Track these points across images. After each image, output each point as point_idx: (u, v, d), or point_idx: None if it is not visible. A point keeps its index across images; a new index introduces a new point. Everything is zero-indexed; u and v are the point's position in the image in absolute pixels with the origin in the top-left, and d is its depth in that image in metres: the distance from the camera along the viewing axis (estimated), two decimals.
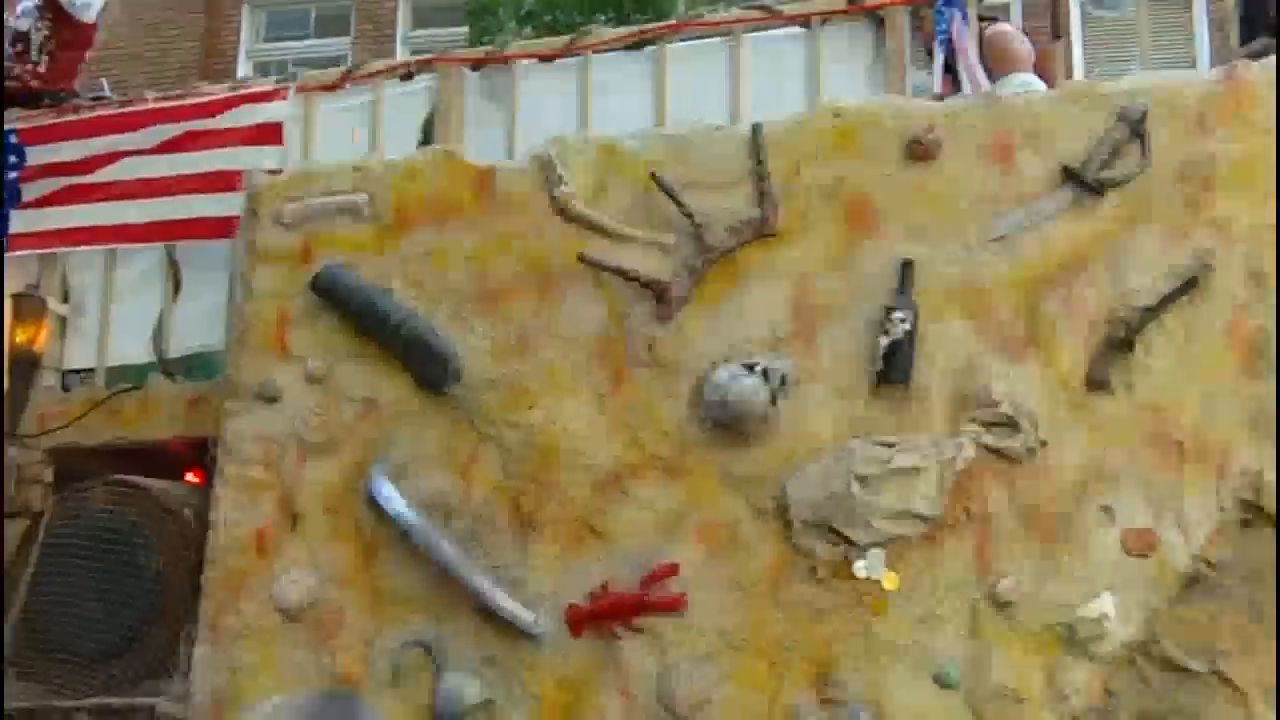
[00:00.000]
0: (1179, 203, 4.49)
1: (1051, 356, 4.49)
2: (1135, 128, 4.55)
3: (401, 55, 13.79)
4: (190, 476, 5.51)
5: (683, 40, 5.31)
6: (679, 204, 4.76)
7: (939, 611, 4.41)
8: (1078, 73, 8.60)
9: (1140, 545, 4.33)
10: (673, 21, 5.30)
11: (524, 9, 11.25)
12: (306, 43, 15.33)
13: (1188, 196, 4.49)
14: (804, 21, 5.26)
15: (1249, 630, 4.21)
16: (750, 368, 4.60)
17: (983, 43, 5.71)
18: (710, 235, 4.74)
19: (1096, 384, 4.44)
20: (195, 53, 14.83)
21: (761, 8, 5.26)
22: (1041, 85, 5.45)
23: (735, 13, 5.31)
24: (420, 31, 14.63)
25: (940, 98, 5.01)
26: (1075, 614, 4.29)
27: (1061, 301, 4.51)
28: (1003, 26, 5.87)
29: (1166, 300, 4.42)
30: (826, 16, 5.20)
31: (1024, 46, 5.74)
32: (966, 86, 5.10)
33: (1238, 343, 4.37)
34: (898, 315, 4.54)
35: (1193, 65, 7.82)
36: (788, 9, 5.30)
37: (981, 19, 5.78)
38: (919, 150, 4.69)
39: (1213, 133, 4.51)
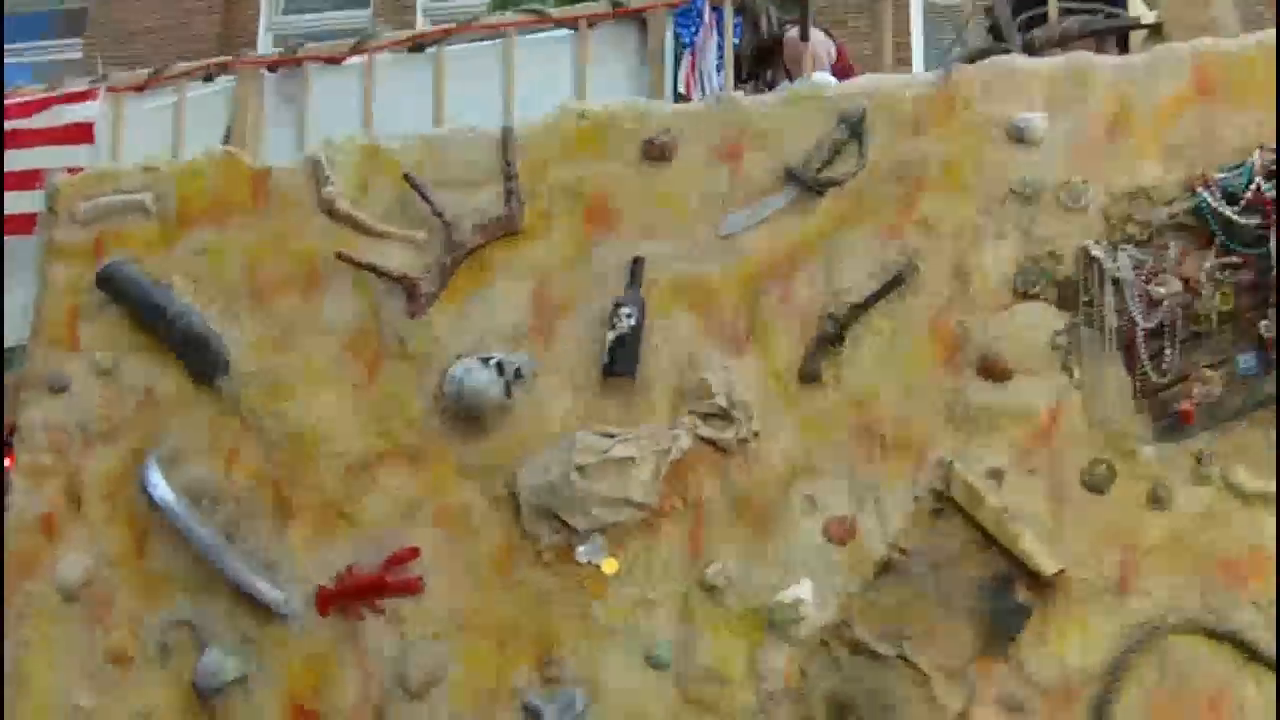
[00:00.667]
0: (891, 202, 4.64)
1: (768, 351, 4.66)
2: (854, 129, 4.71)
3: (421, 26, 13.99)
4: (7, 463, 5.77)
5: (460, 43, 5.49)
6: (429, 202, 4.96)
7: (653, 596, 4.60)
8: (918, 66, 8.70)
9: (841, 533, 4.49)
10: (451, 25, 5.48)
11: None
12: (326, 15, 15.36)
13: (900, 196, 4.63)
14: (573, 24, 5.43)
15: (934, 615, 4.37)
16: (486, 361, 4.80)
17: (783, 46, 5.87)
18: (458, 233, 4.94)
19: (807, 377, 4.61)
20: (216, 25, 15.11)
21: (534, 11, 5.44)
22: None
23: (509, 15, 5.49)
24: (439, 1, 14.58)
25: (686, 99, 5.18)
26: (774, 599, 4.47)
27: (779, 298, 4.68)
28: (795, 33, 5.98)
29: (874, 297, 4.58)
30: (594, 20, 5.37)
31: (822, 49, 5.89)
32: (699, 90, 5.26)
33: (939, 338, 4.52)
34: (624, 310, 4.72)
35: None
36: (556, 12, 5.48)
37: (786, 22, 5.94)
38: (654, 151, 4.86)
39: (926, 134, 4.66)
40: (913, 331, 4.55)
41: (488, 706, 4.65)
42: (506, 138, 4.96)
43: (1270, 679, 4.07)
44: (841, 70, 5.97)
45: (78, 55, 15.09)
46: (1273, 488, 4.17)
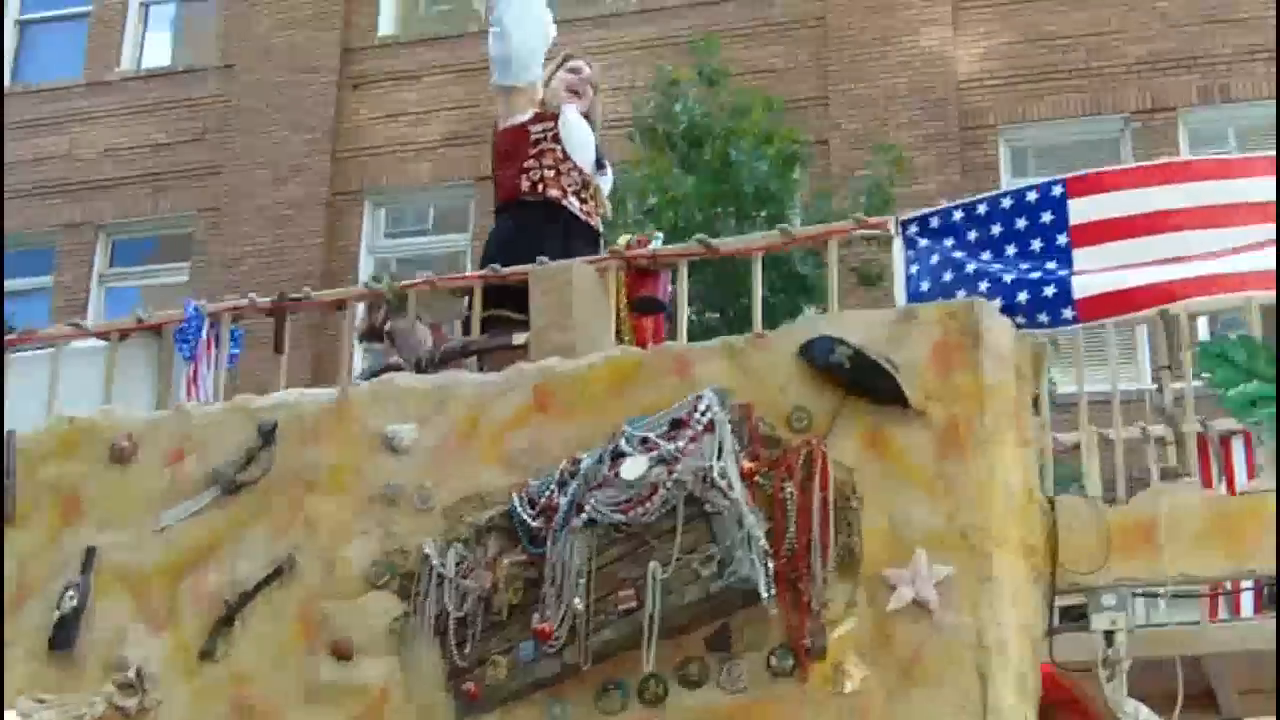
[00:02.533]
0: (286, 502, 5.36)
1: (180, 629, 5.35)
2: (267, 437, 5.46)
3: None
4: None
5: (21, 350, 6.35)
6: None
7: None
8: None
9: None
10: (18, 333, 6.34)
11: (646, 205, 11.90)
12: (428, 239, 16.63)
13: (293, 498, 5.36)
14: (106, 335, 6.29)
15: None
16: None
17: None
18: None
19: (205, 654, 5.29)
20: (318, 250, 16.09)
21: (73, 324, 6.33)
22: None
23: (60, 328, 6.38)
24: None
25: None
26: None
27: (195, 583, 5.39)
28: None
29: (259, 586, 5.28)
30: (125, 332, 6.23)
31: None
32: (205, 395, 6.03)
33: (305, 622, 5.20)
34: (69, 593, 5.46)
35: None
36: (94, 326, 6.36)
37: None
38: (117, 453, 5.65)
39: (320, 443, 5.40)
40: (286, 616, 5.23)
41: None
42: (5, 440, 5.77)
43: None
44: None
45: (184, 279, 16.39)
46: None
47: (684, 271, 5.68)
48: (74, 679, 5.42)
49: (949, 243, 5.24)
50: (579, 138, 6.08)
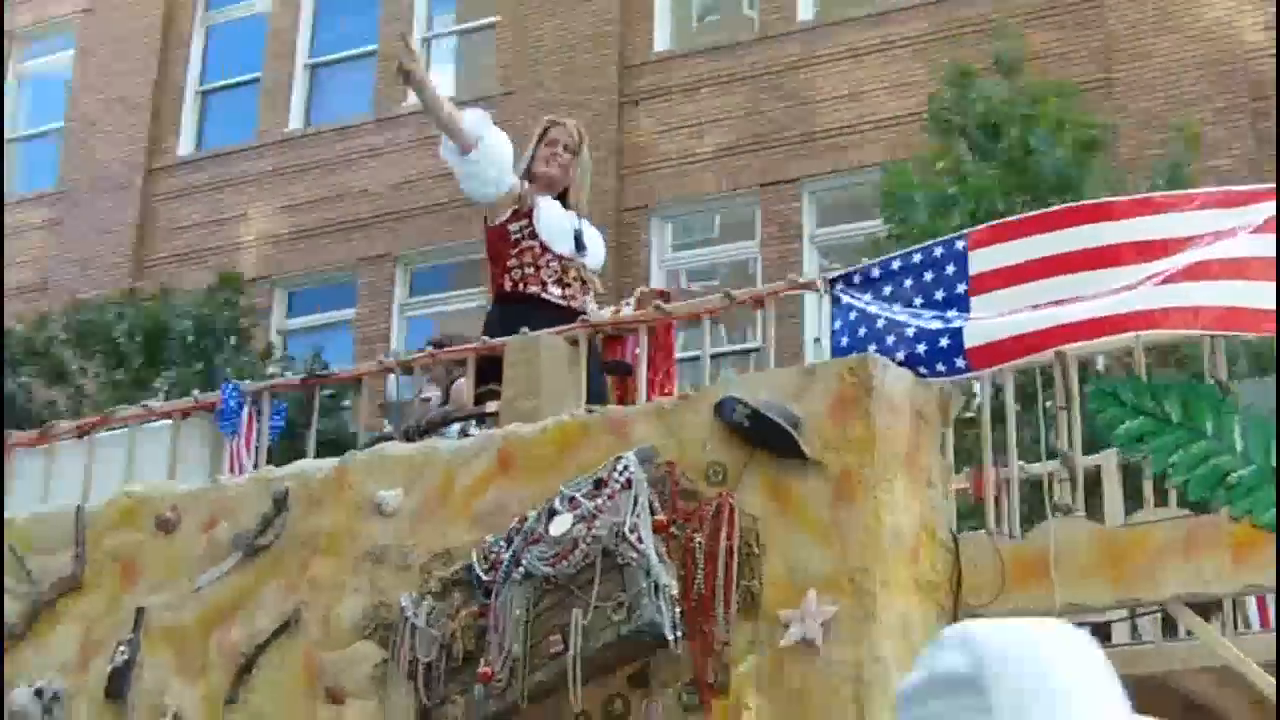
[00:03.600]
0: (295, 563, 6.04)
1: (209, 678, 6.07)
2: (279, 504, 6.15)
3: (808, 257, 15.32)
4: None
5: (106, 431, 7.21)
6: (22, 567, 6.63)
7: None
8: None
9: None
10: (99, 415, 7.19)
11: (943, 196, 11.62)
12: (716, 248, 16.90)
13: (301, 559, 6.03)
14: (170, 415, 7.08)
15: None
16: (34, 688, 6.38)
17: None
18: (40, 588, 6.59)
19: (229, 700, 5.99)
20: (610, 264, 16.25)
21: (144, 405, 7.16)
22: None
23: (132, 410, 7.21)
24: (825, 229, 15.75)
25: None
26: None
27: (221, 637, 6.11)
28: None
29: (271, 638, 5.96)
30: (185, 412, 7.02)
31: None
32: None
33: (307, 670, 5.85)
34: (120, 648, 6.24)
35: None
36: (158, 407, 7.19)
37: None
38: (163, 524, 6.42)
39: (323, 508, 6.06)
40: (292, 666, 5.89)
41: None
42: (79, 514, 6.61)
43: None
44: None
45: (479, 304, 16.45)
46: None
47: (644, 336, 6.15)
48: None
49: (867, 298, 5.60)
50: (554, 228, 6.59)
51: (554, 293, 6.56)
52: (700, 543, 5.21)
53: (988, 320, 5.30)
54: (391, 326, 17.63)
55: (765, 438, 5.25)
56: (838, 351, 5.65)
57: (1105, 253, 5.24)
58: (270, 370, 14.05)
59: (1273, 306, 4.97)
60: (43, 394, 14.83)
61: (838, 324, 5.66)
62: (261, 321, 16.76)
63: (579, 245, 6.63)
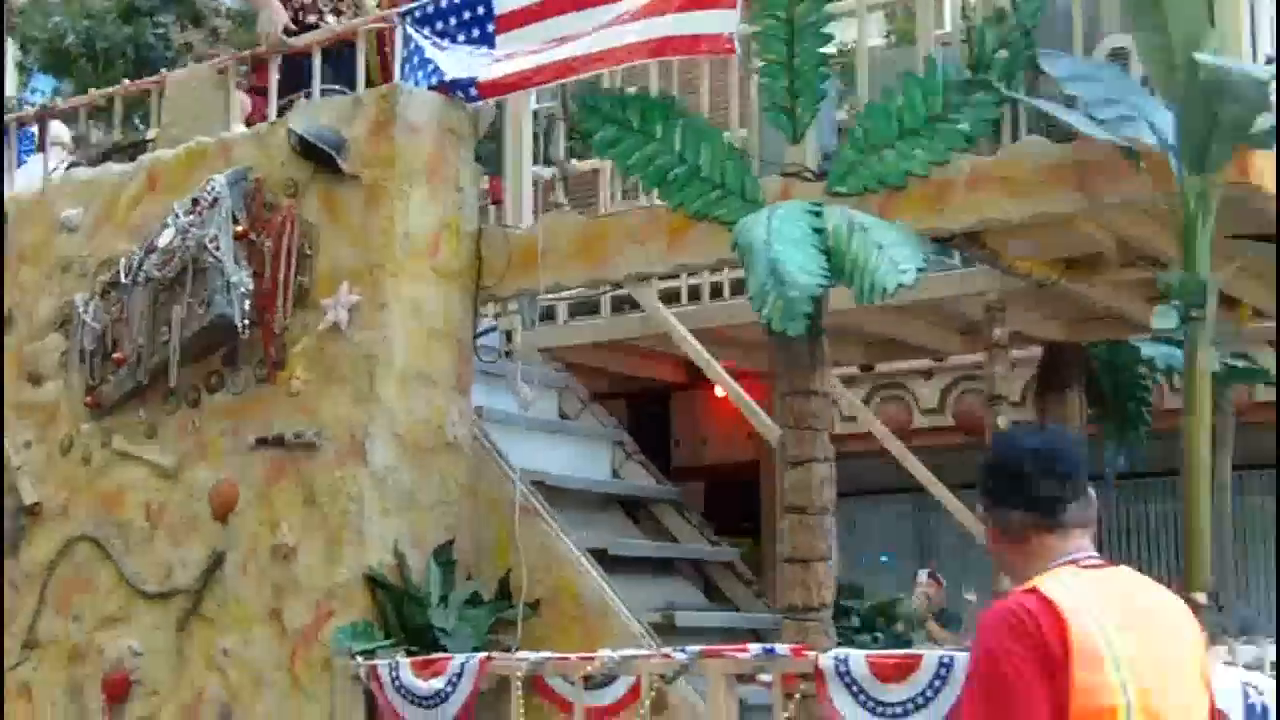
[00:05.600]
0: (9, 275, 7.34)
1: None
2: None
3: None
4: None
5: None
6: None
7: None
8: None
9: None
10: None
11: None
12: None
13: (14, 269, 7.33)
14: None
15: None
16: None
17: None
18: None
19: None
20: None
21: None
22: None
23: None
24: None
25: None
26: None
27: None
28: None
29: None
30: None
31: None
32: None
33: (19, 361, 7.20)
34: None
35: None
36: None
37: None
38: None
39: (29, 226, 7.31)
40: (8, 359, 7.23)
41: None
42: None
43: None
44: None
45: None
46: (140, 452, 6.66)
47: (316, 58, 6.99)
48: None
49: (426, 32, 6.55)
50: None
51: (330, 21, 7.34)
52: (269, 247, 6.38)
53: (501, 63, 6.25)
54: None
55: (312, 157, 6.34)
56: (404, 78, 6.63)
57: None
58: None
59: (706, 31, 5.84)
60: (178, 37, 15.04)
61: (405, 53, 6.63)
62: None
63: None
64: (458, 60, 6.41)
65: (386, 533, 6.01)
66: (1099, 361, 7.40)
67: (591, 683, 5.16)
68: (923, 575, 13.09)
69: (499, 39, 6.37)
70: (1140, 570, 2.84)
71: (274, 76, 6.92)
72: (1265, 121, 4.59)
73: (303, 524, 6.08)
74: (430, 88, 6.37)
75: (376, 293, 6.15)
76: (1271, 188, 5.08)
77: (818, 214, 5.34)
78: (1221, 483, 8.92)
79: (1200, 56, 4.40)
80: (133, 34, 14.43)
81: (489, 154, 7.05)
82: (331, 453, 6.08)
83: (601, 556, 6.11)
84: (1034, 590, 2.64)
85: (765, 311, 5.08)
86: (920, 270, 5.07)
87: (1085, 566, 2.74)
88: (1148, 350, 7.28)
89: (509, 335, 6.36)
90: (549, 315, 7.47)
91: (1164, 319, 4.70)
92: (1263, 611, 8.73)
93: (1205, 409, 4.63)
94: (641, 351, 7.72)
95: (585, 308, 7.45)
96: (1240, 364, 7.14)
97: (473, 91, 6.32)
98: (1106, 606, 2.64)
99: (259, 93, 7.21)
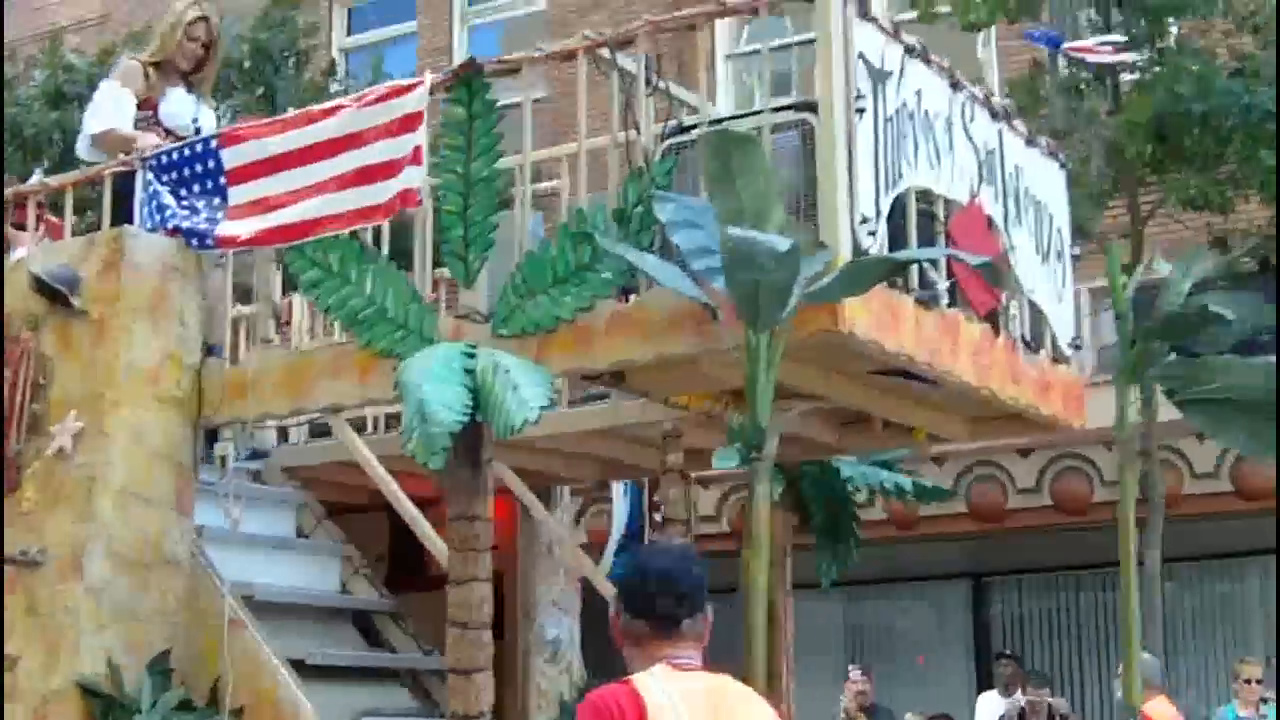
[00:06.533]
0: None
1: None
2: None
3: None
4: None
5: None
6: None
7: None
8: None
9: None
10: None
11: None
12: None
13: None
14: None
15: None
16: None
17: None
18: None
19: None
20: None
21: None
22: None
23: None
24: None
25: None
26: None
27: None
28: None
29: None
30: None
31: None
32: None
33: None
34: None
35: None
36: None
37: None
38: None
39: None
40: None
41: None
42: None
43: None
44: None
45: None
46: None
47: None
48: None
49: (165, 178, 7.16)
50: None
51: None
52: (8, 377, 6.95)
53: (234, 222, 6.85)
54: (453, 38, 18.03)
55: (53, 295, 6.93)
56: (144, 224, 7.19)
57: (319, 148, 6.70)
58: (333, 89, 14.64)
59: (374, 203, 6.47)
60: None
61: (143, 197, 7.22)
62: (320, 41, 16.98)
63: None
64: (191, 208, 7.02)
65: (102, 643, 6.53)
66: (808, 479, 7.99)
67: None
68: (855, 672, 13.68)
69: (231, 190, 6.97)
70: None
71: (32, 214, 7.57)
72: (815, 285, 5.19)
73: (24, 635, 6.60)
74: (166, 232, 6.97)
75: (100, 419, 6.71)
76: (870, 334, 5.70)
77: (471, 355, 5.93)
78: (1151, 574, 9.80)
79: (731, 230, 5.01)
80: (59, 120, 14.64)
81: None
82: (54, 568, 6.62)
83: (300, 666, 6.65)
84: (627, 682, 3.46)
85: (410, 446, 5.66)
86: (543, 408, 5.66)
87: (678, 668, 3.52)
88: (846, 470, 7.89)
89: (222, 460, 6.95)
90: (285, 437, 8.08)
91: (725, 459, 5.30)
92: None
93: (764, 543, 5.19)
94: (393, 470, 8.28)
95: (323, 429, 8.02)
96: (928, 483, 7.79)
97: (209, 241, 6.92)
98: (690, 699, 3.43)
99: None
